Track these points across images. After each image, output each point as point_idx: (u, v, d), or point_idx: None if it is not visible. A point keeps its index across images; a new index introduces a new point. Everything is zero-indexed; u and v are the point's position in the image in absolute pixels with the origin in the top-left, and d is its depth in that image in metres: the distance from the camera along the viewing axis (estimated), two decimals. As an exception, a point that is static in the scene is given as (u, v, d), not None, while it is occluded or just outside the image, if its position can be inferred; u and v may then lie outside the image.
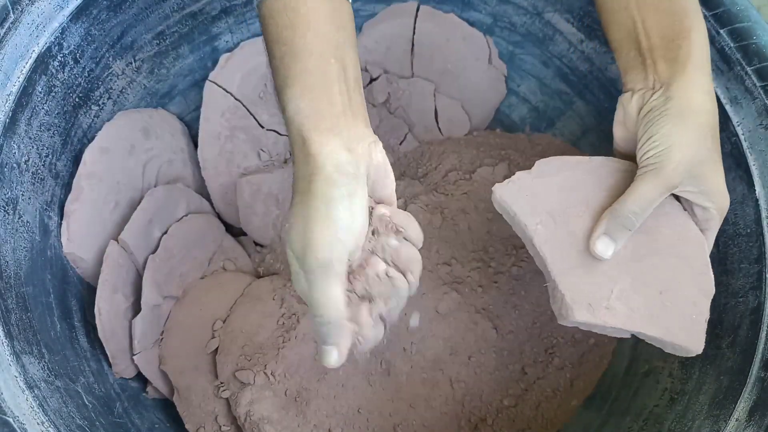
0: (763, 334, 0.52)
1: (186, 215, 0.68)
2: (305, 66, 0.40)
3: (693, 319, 0.48)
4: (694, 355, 0.48)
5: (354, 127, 0.40)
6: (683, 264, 0.49)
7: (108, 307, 0.60)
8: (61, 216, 0.59)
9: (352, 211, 0.39)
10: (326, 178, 0.39)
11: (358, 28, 0.74)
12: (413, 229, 0.43)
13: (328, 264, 0.39)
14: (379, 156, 0.41)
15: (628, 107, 0.49)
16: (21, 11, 0.51)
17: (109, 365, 0.61)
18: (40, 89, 0.54)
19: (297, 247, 0.39)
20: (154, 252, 0.64)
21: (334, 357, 0.41)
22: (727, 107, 0.55)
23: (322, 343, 0.42)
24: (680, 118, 0.46)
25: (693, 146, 0.46)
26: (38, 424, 0.46)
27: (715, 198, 0.48)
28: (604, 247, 0.47)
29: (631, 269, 0.48)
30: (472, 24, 0.74)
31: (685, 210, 0.50)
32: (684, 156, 0.46)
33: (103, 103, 0.63)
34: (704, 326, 0.48)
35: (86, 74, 0.60)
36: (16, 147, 0.53)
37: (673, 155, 0.45)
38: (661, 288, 0.48)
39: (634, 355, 0.66)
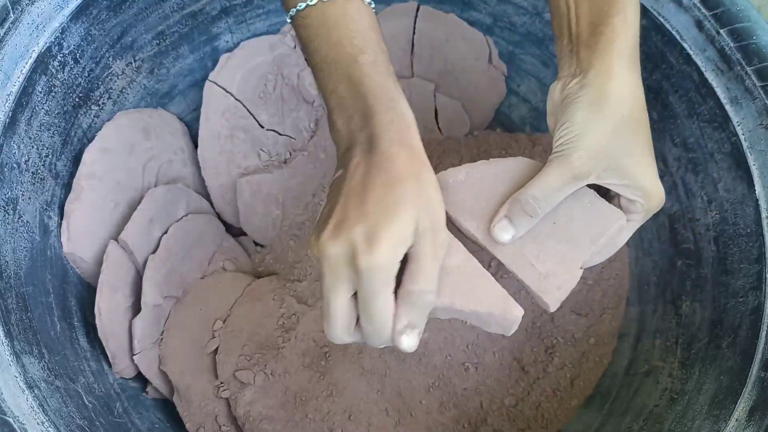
0: (763, 334, 0.52)
1: (186, 215, 0.68)
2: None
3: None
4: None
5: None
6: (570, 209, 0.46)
7: (108, 307, 0.60)
8: (61, 216, 0.59)
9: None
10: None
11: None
12: None
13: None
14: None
15: (553, 96, 0.48)
16: (21, 11, 0.51)
17: (109, 365, 0.61)
18: (40, 89, 0.54)
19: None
20: (154, 252, 0.64)
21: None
22: (727, 107, 0.55)
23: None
24: (594, 106, 0.44)
25: (605, 136, 0.43)
26: (38, 424, 0.46)
27: (641, 192, 0.45)
28: (500, 230, 0.45)
29: (533, 233, 0.46)
30: (472, 24, 0.74)
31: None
32: (592, 145, 0.43)
33: (103, 103, 0.63)
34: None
35: (86, 74, 0.60)
36: (16, 147, 0.53)
37: (580, 143, 0.43)
38: (562, 237, 0.46)
39: (634, 355, 0.66)
